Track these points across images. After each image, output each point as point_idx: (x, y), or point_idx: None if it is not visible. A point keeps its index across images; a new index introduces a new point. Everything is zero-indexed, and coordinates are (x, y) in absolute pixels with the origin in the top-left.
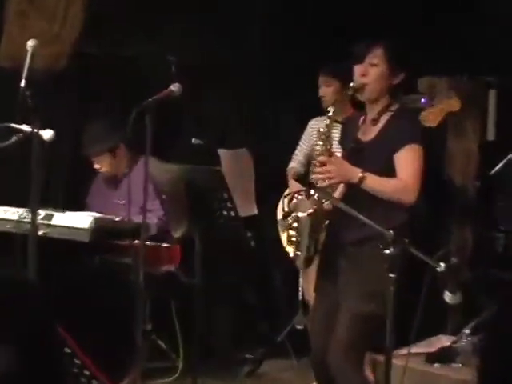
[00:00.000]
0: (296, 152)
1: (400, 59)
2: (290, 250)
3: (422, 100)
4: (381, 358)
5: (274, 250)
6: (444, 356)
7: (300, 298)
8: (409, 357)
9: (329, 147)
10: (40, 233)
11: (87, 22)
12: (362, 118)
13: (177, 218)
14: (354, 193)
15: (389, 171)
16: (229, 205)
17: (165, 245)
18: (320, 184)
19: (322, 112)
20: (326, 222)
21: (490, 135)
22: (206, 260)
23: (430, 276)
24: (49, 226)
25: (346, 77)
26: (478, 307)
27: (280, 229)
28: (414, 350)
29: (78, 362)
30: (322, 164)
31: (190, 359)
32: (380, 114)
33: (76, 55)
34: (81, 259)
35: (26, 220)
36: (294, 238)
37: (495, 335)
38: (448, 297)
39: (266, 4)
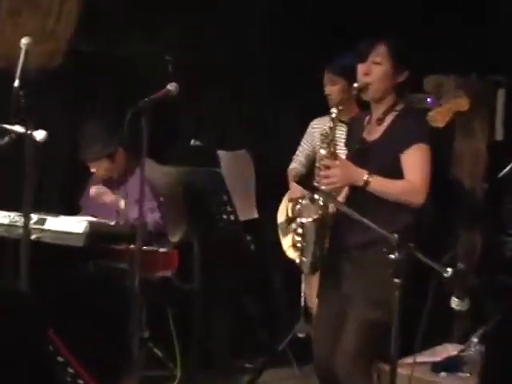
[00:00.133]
0: (297, 153)
1: (404, 57)
2: (292, 254)
3: (429, 100)
4: (386, 367)
5: (275, 255)
6: (451, 365)
7: (302, 304)
8: (414, 366)
9: (333, 150)
10: (33, 237)
11: (83, 20)
12: (367, 118)
13: (175, 222)
14: (359, 195)
15: (395, 172)
16: (228, 208)
17: (162, 250)
18: (325, 188)
19: (323, 112)
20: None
21: (499, 135)
22: (204, 265)
23: (435, 281)
24: (42, 230)
25: (352, 75)
26: (486, 314)
27: (280, 233)
28: (420, 358)
29: (71, 371)
30: (327, 168)
31: (188, 368)
32: (385, 113)
33: (71, 53)
34: (75, 265)
35: (17, 224)
36: (299, 245)
37: (498, 343)
38: (455, 303)
39: (265, 4)
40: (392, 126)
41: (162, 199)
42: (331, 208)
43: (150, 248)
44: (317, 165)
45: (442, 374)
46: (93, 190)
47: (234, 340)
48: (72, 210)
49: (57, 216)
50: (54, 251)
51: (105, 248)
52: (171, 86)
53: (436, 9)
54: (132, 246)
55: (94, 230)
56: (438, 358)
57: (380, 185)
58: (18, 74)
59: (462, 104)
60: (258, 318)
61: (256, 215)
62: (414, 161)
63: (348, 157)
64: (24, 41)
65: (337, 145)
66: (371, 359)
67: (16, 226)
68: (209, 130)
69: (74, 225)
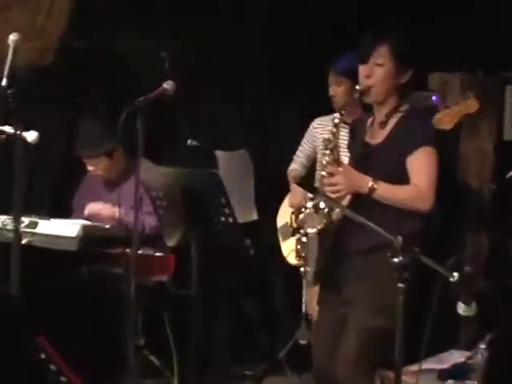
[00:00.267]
0: (297, 153)
1: (407, 56)
2: (293, 261)
3: (433, 97)
4: (390, 374)
5: (274, 258)
6: (458, 372)
7: (303, 310)
8: (420, 373)
9: (336, 157)
10: (24, 241)
11: (75, 15)
12: (370, 120)
13: (172, 224)
14: (363, 201)
15: (400, 177)
16: (227, 211)
17: (158, 254)
18: (329, 195)
19: (323, 112)
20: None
21: (508, 135)
22: (202, 269)
23: (440, 285)
24: (33, 234)
25: (358, 76)
26: (494, 320)
27: (280, 237)
28: (426, 365)
29: (64, 379)
30: (330, 175)
31: (185, 376)
32: (388, 116)
33: (63, 50)
34: (68, 269)
35: (8, 228)
36: (302, 254)
37: (500, 348)
38: (462, 309)
39: (266, 4)
40: (396, 128)
41: (158, 202)
42: (335, 215)
43: (146, 252)
44: (318, 170)
45: (449, 381)
46: (86, 212)
47: (234, 345)
48: (64, 212)
49: (48, 219)
50: (46, 255)
51: (99, 252)
52: (167, 85)
53: (440, 6)
54: (127, 250)
55: (87, 234)
56: (444, 365)
57: (386, 191)
58: (5, 72)
59: (472, 106)
60: (257, 322)
61: (256, 217)
62: (420, 165)
63: (351, 162)
64: (12, 37)
65: (339, 147)
66: (373, 365)
67: (6, 230)
68: (207, 130)
69: (67, 228)
